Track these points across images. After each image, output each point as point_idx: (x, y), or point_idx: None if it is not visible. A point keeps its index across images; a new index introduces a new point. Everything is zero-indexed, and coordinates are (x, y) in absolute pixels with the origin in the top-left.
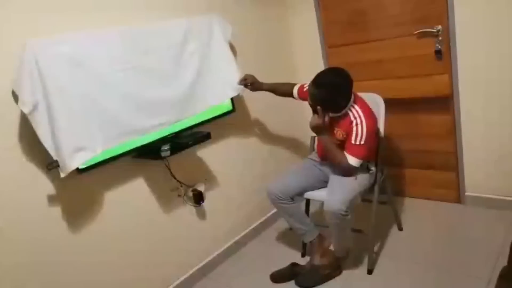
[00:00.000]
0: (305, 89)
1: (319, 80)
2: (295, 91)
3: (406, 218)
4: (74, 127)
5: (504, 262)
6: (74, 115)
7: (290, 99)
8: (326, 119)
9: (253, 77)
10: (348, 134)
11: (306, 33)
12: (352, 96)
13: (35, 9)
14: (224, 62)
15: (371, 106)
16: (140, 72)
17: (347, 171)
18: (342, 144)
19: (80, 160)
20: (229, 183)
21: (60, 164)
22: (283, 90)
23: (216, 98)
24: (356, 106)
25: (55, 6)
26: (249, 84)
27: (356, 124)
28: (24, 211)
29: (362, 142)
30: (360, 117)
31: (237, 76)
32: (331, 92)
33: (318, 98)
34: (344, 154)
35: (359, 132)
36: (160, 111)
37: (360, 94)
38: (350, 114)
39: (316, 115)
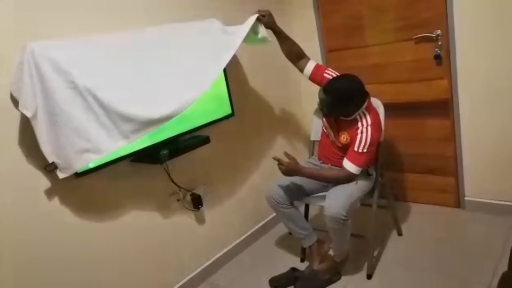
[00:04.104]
0: (325, 75)
1: (328, 87)
2: (309, 66)
3: (406, 222)
4: (78, 128)
5: (504, 267)
6: (77, 117)
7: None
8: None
9: (269, 11)
10: (352, 140)
11: (306, 37)
12: (365, 104)
13: (36, 10)
14: (223, 41)
15: None
16: (142, 67)
17: (347, 180)
18: (344, 148)
19: (84, 162)
20: (228, 187)
21: (62, 166)
22: (292, 50)
23: (215, 69)
24: (367, 115)
25: (57, 8)
26: (264, 16)
27: (362, 132)
28: (22, 213)
29: (365, 151)
30: (367, 125)
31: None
32: (339, 99)
33: (326, 104)
34: (336, 169)
35: (362, 140)
36: (164, 103)
37: None
38: (359, 121)
39: (284, 161)
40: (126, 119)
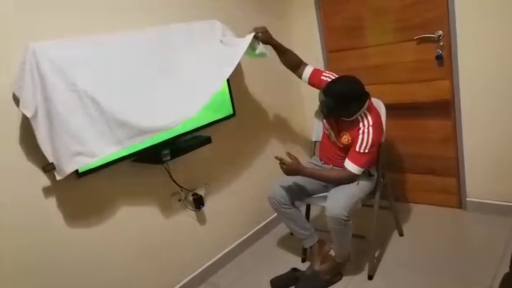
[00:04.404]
0: (322, 78)
1: (328, 89)
2: (307, 71)
3: (407, 223)
4: (76, 131)
5: (505, 268)
6: (74, 120)
7: (288, 96)
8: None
9: (265, 27)
10: (354, 140)
11: (307, 38)
12: (366, 105)
13: (38, 10)
14: (223, 55)
15: None
16: (142, 75)
17: (349, 180)
18: (345, 149)
19: (77, 164)
20: (229, 187)
21: (57, 168)
22: (290, 60)
23: (214, 84)
24: (368, 115)
25: (58, 8)
26: (259, 33)
27: (363, 132)
28: (23, 213)
29: (366, 151)
30: (369, 126)
31: (237, 53)
32: (339, 101)
33: (326, 106)
34: (338, 170)
35: (364, 140)
36: (162, 114)
37: None
38: (360, 121)
39: (286, 161)
40: (122, 125)
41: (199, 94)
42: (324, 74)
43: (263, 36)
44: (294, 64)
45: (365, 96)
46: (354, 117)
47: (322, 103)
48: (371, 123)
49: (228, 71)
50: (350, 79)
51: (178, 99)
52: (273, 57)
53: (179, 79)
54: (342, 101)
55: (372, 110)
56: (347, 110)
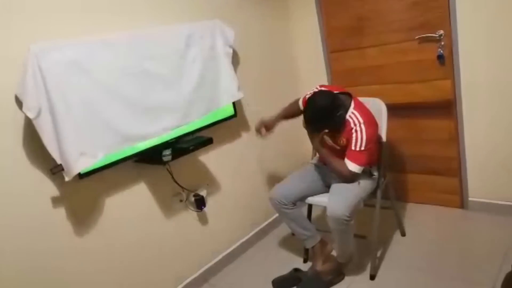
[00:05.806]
0: (307, 96)
1: (306, 117)
2: (300, 104)
3: (409, 223)
4: (77, 132)
5: (508, 268)
6: (77, 121)
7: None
8: (323, 137)
9: (261, 122)
10: (349, 140)
11: (309, 38)
12: (352, 104)
13: (39, 13)
14: (225, 67)
15: (373, 112)
16: (143, 77)
17: (350, 179)
18: (343, 150)
19: (82, 165)
20: (231, 188)
21: (65, 168)
22: (293, 112)
23: (217, 103)
24: (356, 113)
25: (59, 10)
26: (263, 132)
27: (356, 131)
28: (26, 215)
29: (363, 148)
30: (360, 123)
31: (235, 82)
32: (319, 121)
33: (313, 130)
34: (345, 164)
35: (358, 139)
36: (162, 116)
37: (362, 99)
38: (351, 121)
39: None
40: (122, 125)
41: (191, 111)
42: (307, 95)
43: (267, 130)
44: (297, 111)
45: (345, 98)
46: (343, 120)
47: (310, 130)
48: (361, 121)
49: (220, 105)
50: (316, 97)
51: (176, 106)
52: (277, 59)
53: (177, 88)
54: (322, 119)
55: (361, 108)
56: (333, 121)
